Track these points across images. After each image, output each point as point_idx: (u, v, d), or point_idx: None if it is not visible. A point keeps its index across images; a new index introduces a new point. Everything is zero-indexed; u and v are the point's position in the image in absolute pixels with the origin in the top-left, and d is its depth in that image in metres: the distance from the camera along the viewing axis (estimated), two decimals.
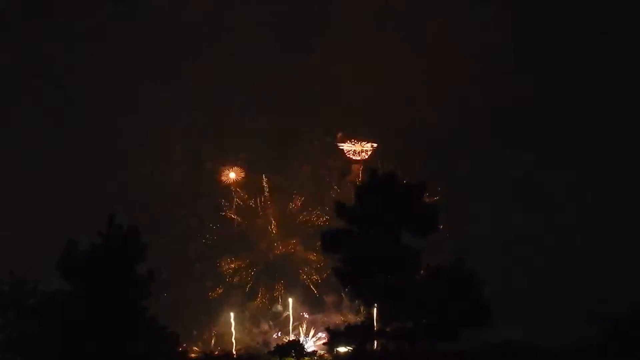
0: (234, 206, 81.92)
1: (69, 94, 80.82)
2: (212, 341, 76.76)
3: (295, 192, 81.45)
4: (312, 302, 78.67)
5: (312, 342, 72.55)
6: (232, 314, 77.51)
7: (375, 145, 79.53)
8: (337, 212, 30.66)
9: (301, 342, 56.21)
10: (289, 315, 77.79)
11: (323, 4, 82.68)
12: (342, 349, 32.87)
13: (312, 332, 75.38)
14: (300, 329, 76.92)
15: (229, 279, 79.74)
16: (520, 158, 76.73)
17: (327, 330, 31.35)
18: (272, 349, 60.62)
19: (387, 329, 29.99)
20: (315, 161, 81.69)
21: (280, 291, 79.59)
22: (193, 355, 70.44)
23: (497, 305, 29.35)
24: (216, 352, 69.55)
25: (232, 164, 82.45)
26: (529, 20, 79.53)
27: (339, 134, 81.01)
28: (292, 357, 58.46)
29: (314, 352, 58.29)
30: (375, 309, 31.34)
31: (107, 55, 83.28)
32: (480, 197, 75.11)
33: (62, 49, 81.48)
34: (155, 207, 78.65)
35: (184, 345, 64.89)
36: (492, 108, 76.67)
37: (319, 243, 38.18)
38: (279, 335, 76.65)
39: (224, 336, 77.31)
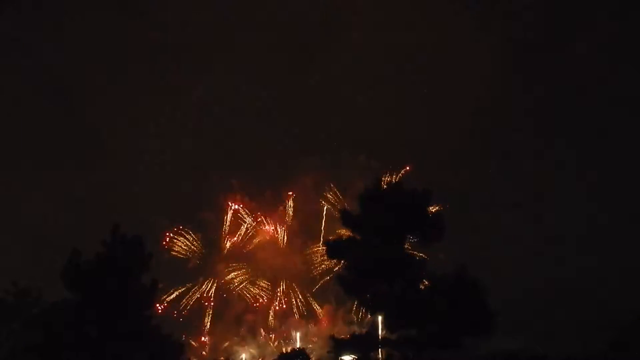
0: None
1: (69, 96, 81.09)
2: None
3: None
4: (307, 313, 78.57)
5: None
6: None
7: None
8: (342, 220, 30.84)
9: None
10: (286, 326, 77.67)
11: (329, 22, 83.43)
12: (346, 358, 32.74)
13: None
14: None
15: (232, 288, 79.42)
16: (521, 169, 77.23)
17: (332, 338, 31.27)
18: (276, 357, 60.22)
19: (392, 338, 30.01)
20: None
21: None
22: None
23: (498, 314, 29.38)
24: None
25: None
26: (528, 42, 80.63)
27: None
28: None
29: None
30: (379, 317, 31.35)
31: (108, 62, 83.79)
32: (479, 208, 75.34)
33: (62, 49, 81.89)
34: (160, 220, 78.35)
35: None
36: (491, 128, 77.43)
37: None
38: (276, 344, 76.51)
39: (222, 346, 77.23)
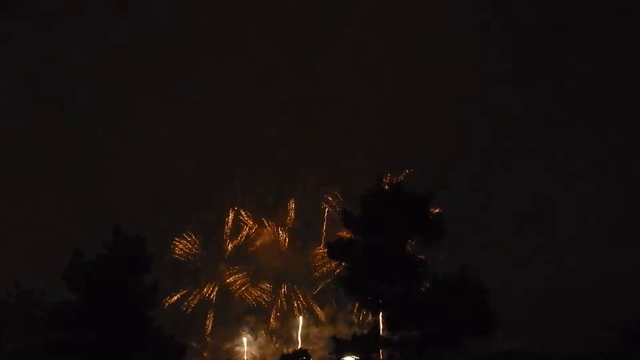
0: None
1: (69, 96, 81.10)
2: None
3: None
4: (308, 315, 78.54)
5: None
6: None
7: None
8: (343, 221, 30.93)
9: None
10: (287, 328, 77.73)
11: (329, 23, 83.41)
12: (348, 359, 32.82)
13: None
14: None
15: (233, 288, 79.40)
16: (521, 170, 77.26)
17: (334, 339, 31.36)
18: (277, 358, 60.26)
19: (393, 338, 30.09)
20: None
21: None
22: None
23: (498, 314, 29.49)
24: None
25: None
26: (528, 38, 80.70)
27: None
28: None
29: None
30: (380, 318, 31.41)
31: (108, 66, 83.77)
32: (480, 210, 75.36)
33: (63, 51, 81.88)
34: (160, 222, 78.10)
35: None
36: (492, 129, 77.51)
37: None
38: (277, 346, 76.60)
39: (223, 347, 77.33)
